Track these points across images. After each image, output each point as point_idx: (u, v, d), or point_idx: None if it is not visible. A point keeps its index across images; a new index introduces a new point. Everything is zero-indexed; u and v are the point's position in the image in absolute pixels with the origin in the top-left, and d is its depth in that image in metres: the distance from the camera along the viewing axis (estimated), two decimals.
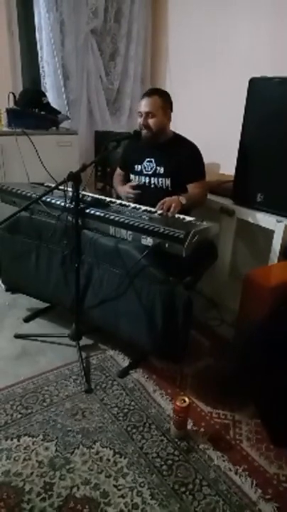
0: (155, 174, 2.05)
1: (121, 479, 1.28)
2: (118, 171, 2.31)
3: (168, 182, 2.03)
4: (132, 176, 2.14)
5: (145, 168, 2.08)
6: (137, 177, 2.12)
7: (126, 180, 2.24)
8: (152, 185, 2.07)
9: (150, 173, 2.07)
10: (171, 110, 2.03)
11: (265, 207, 1.96)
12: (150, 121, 1.94)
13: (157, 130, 1.96)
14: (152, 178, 2.07)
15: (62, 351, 1.86)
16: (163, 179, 2.04)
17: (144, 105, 1.95)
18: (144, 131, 1.95)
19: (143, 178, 2.10)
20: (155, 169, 2.05)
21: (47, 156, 2.02)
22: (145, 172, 2.08)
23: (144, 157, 2.07)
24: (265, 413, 1.49)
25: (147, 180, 2.08)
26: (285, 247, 1.86)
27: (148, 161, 2.07)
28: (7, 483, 1.25)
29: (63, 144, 2.46)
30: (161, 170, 2.03)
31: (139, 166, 2.10)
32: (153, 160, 2.05)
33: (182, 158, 1.99)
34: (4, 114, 2.38)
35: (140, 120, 1.96)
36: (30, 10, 2.59)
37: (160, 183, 2.05)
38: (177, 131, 2.12)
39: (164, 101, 1.97)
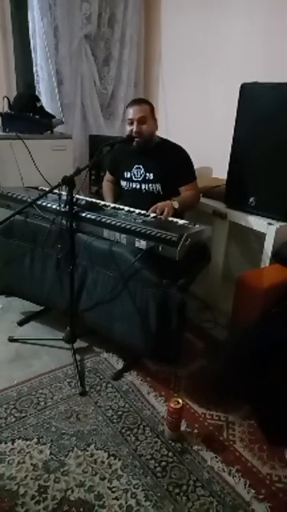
0: (145, 180, 2.05)
1: (115, 481, 1.28)
2: (108, 176, 2.31)
3: (159, 187, 2.03)
4: (122, 182, 2.15)
5: (134, 175, 2.08)
6: (127, 183, 2.12)
7: (116, 186, 2.25)
8: (143, 191, 2.07)
9: (139, 179, 2.06)
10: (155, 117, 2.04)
11: (257, 210, 1.98)
12: (143, 128, 1.94)
13: (148, 136, 1.97)
14: (142, 185, 2.06)
15: (56, 354, 1.86)
16: (154, 185, 2.04)
17: (135, 112, 1.93)
18: (137, 140, 1.94)
19: (133, 184, 2.09)
20: (145, 176, 2.04)
21: (41, 160, 2.03)
22: (134, 179, 2.08)
23: (133, 164, 2.07)
24: (260, 413, 1.50)
25: (137, 187, 2.08)
26: (276, 249, 1.88)
27: (136, 168, 2.07)
28: (1, 486, 1.25)
29: (57, 148, 2.47)
30: (151, 176, 2.03)
31: (128, 173, 2.10)
32: (141, 166, 2.05)
33: (170, 162, 1.99)
34: None
35: (132, 127, 1.94)
36: (24, 15, 2.60)
37: (150, 188, 2.05)
38: (170, 135, 2.14)
39: (151, 108, 1.99)
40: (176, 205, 1.86)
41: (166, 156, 2.01)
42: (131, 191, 2.11)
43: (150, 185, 2.05)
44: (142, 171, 2.05)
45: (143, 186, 2.07)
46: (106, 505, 1.21)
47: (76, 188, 1.59)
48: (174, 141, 2.09)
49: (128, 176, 2.10)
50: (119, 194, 2.25)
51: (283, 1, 2.15)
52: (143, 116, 1.93)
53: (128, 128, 1.97)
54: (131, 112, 1.95)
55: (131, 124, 1.95)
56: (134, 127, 1.93)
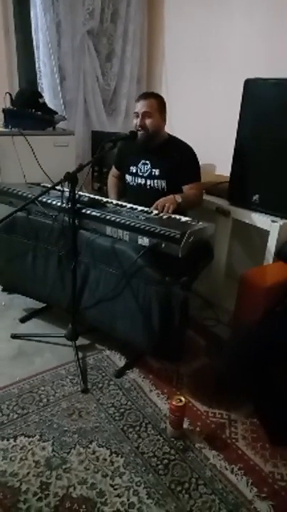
0: (150, 176, 2.06)
1: (117, 479, 1.28)
2: (114, 170, 2.32)
3: (164, 184, 2.04)
4: (127, 177, 2.15)
5: (140, 170, 2.08)
6: (132, 178, 2.12)
7: (121, 180, 2.25)
8: (148, 187, 2.08)
9: (145, 175, 2.07)
10: (166, 113, 2.04)
11: (260, 207, 1.97)
12: (147, 122, 1.95)
13: (152, 131, 1.97)
14: (148, 180, 2.07)
15: (58, 351, 1.86)
16: (159, 181, 2.04)
17: (141, 106, 1.96)
18: (140, 133, 1.96)
19: (138, 179, 2.10)
20: (151, 171, 2.05)
21: (43, 157, 2.03)
22: (140, 174, 2.09)
23: (139, 159, 2.08)
24: (262, 412, 1.50)
25: (143, 182, 2.09)
26: (280, 247, 1.87)
27: (143, 163, 2.07)
28: (3, 483, 1.25)
29: (60, 144, 2.46)
30: (157, 172, 2.04)
31: (134, 168, 2.10)
32: (148, 162, 2.06)
33: (177, 160, 1.99)
34: (1, 114, 2.37)
35: (136, 121, 1.97)
36: (26, 10, 2.59)
37: (155, 184, 2.05)
38: (173, 132, 2.13)
39: (160, 103, 1.99)
40: (179, 199, 1.86)
41: (173, 153, 2.01)
42: (136, 187, 2.11)
43: (155, 181, 2.04)
44: (148, 166, 2.05)
45: (148, 182, 2.07)
46: (108, 503, 1.21)
47: (78, 184, 1.59)
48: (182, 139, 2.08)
49: (135, 170, 2.10)
50: (124, 190, 2.24)
51: (284, 0, 2.14)
52: (147, 111, 1.95)
53: (134, 121, 2.00)
54: (137, 106, 1.99)
55: (137, 117, 1.98)
56: (138, 121, 1.96)
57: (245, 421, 1.53)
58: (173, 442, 1.43)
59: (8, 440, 1.40)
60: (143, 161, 2.07)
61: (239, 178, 2.03)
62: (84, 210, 1.71)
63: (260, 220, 1.95)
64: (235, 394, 1.62)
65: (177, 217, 1.76)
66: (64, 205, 1.67)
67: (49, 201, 1.79)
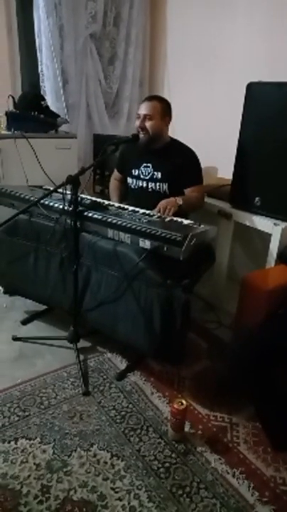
0: (152, 179, 2.06)
1: (118, 482, 1.28)
2: (116, 173, 2.32)
3: (165, 187, 2.04)
4: (129, 180, 2.15)
5: (142, 172, 2.09)
6: (134, 181, 2.13)
7: (123, 183, 2.25)
8: (149, 190, 2.08)
9: (147, 177, 2.08)
10: (170, 118, 2.04)
11: (262, 210, 1.97)
12: (147, 124, 1.96)
13: (153, 133, 1.98)
14: (149, 183, 2.07)
15: (59, 354, 1.86)
16: (161, 184, 2.04)
17: (143, 108, 1.98)
18: (141, 135, 1.97)
19: (140, 182, 2.10)
20: (153, 174, 2.06)
21: (46, 159, 2.03)
22: (142, 176, 2.09)
23: (141, 162, 2.09)
24: (264, 415, 1.49)
25: (144, 185, 2.09)
26: (282, 250, 1.87)
27: (145, 166, 2.08)
28: (4, 485, 1.25)
29: (62, 147, 2.47)
30: (158, 175, 2.04)
31: (136, 171, 2.11)
32: (150, 165, 2.06)
33: (179, 163, 2.00)
34: (4, 117, 2.39)
35: (137, 122, 1.99)
36: (29, 14, 2.61)
37: (157, 187, 2.06)
38: (174, 134, 2.14)
39: (163, 107, 2.00)
40: (180, 201, 1.87)
41: (175, 156, 2.02)
42: (138, 189, 2.12)
43: (157, 184, 2.05)
44: (150, 169, 2.06)
45: (149, 185, 2.07)
46: (109, 506, 1.20)
47: (80, 187, 1.59)
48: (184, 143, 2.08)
49: (136, 173, 2.11)
50: (126, 193, 2.25)
51: (284, 0, 2.15)
52: (148, 114, 1.96)
53: (136, 122, 2.02)
54: (140, 107, 2.01)
55: (138, 118, 2.00)
56: (139, 122, 1.98)
57: (247, 424, 1.52)
58: (174, 445, 1.42)
59: (9, 443, 1.40)
60: (144, 164, 2.08)
61: (241, 181, 2.03)
62: (85, 213, 1.71)
63: (262, 222, 1.95)
64: (237, 397, 1.62)
65: (179, 219, 1.76)
66: (66, 207, 1.67)
67: (51, 204, 1.79)
